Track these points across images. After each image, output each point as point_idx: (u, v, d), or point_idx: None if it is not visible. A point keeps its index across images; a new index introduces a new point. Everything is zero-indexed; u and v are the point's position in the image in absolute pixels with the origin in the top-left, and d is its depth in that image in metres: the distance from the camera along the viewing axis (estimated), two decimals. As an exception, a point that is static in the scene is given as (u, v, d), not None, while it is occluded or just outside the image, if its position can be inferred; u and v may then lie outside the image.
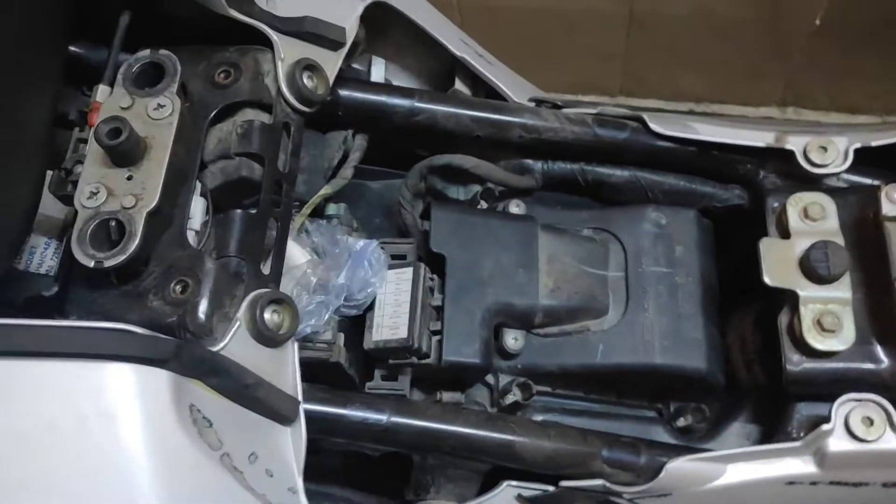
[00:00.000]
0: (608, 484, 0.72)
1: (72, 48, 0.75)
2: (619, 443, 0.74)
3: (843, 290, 0.75)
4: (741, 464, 0.73)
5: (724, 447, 0.83)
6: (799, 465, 0.73)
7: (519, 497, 0.72)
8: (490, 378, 0.81)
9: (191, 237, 0.66)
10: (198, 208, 0.67)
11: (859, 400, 0.72)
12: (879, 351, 0.75)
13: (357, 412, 0.69)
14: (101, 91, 0.70)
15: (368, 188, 0.90)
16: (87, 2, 0.74)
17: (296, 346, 0.66)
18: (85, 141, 0.68)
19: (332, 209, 0.80)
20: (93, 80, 0.72)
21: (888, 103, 1.45)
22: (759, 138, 0.84)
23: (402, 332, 0.74)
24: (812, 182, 0.82)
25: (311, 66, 0.73)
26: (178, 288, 0.62)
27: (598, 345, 0.81)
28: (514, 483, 0.72)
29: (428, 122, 0.83)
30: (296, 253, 0.72)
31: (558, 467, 0.72)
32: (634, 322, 0.80)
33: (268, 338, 0.63)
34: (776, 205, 0.81)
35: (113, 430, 0.54)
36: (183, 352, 0.57)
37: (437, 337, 0.76)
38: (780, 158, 0.83)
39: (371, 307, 0.76)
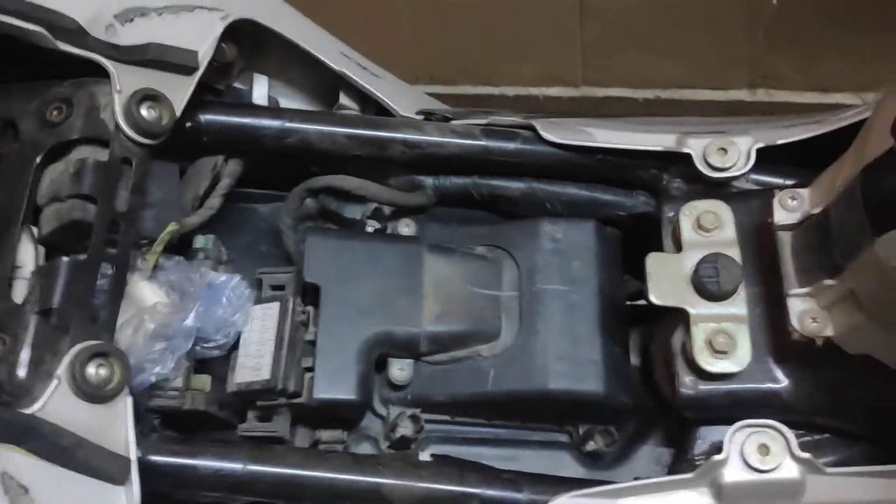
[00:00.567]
0: (486, 526, 0.68)
1: None
2: (499, 480, 0.70)
3: (737, 307, 0.70)
4: (632, 498, 0.68)
5: (633, 473, 0.78)
6: (694, 499, 0.67)
7: (392, 544, 0.67)
8: (382, 409, 0.77)
9: (22, 287, 0.63)
10: (28, 256, 0.64)
11: (755, 426, 0.66)
12: (777, 371, 0.70)
13: (209, 462, 0.66)
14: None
15: (256, 213, 0.86)
16: None
17: (129, 400, 0.62)
18: None
19: (199, 242, 0.76)
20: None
21: (863, 80, 1.38)
22: (659, 142, 0.79)
23: (266, 373, 0.70)
24: (717, 187, 0.77)
25: (152, 96, 0.69)
26: (-5, 346, 0.59)
27: (490, 371, 0.76)
28: (386, 529, 0.68)
29: (301, 144, 0.78)
30: (147, 294, 0.68)
31: (432, 509, 0.68)
32: (527, 345, 0.76)
33: (92, 394, 0.60)
34: (671, 214, 0.76)
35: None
36: (-10, 417, 0.54)
37: (311, 374, 0.72)
38: (683, 162, 0.78)
39: (236, 346, 0.72)
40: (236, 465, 0.66)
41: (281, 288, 0.77)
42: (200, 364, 0.72)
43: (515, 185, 0.83)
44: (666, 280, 0.71)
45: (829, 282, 0.64)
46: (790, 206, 0.69)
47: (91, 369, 0.60)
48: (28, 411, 0.58)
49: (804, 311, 0.66)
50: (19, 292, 0.64)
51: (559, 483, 0.70)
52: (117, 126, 0.68)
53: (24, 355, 0.59)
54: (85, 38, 0.68)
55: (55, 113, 0.67)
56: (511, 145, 0.81)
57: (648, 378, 0.81)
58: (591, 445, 0.78)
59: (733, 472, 0.66)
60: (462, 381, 0.76)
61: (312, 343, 0.74)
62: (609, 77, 1.47)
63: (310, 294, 0.76)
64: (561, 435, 0.80)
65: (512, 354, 0.76)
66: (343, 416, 0.75)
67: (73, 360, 0.60)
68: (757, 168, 0.77)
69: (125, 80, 0.69)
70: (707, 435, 0.73)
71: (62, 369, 0.60)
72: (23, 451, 0.56)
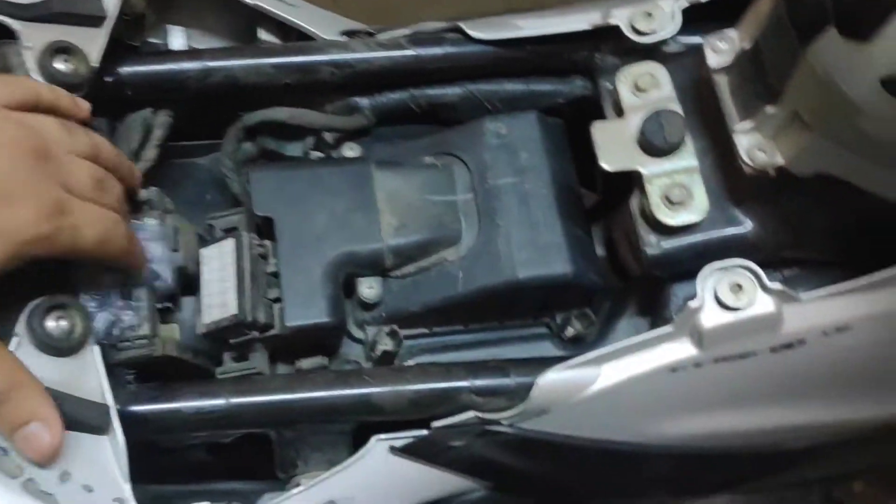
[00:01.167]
0: (480, 414, 0.67)
1: None
2: (485, 368, 0.70)
3: (687, 159, 0.70)
4: (614, 362, 0.68)
5: (614, 347, 0.79)
6: (677, 349, 0.68)
7: (391, 449, 0.67)
8: (359, 333, 0.77)
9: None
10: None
11: (724, 268, 0.67)
12: (737, 213, 0.70)
13: (191, 402, 0.64)
14: None
15: (195, 165, 0.84)
16: None
17: (96, 348, 0.61)
18: None
19: (143, 195, 0.74)
20: None
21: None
22: (585, 21, 0.79)
23: (233, 307, 0.69)
24: (648, 53, 0.77)
25: (65, 48, 0.67)
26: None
27: (458, 273, 0.75)
28: (383, 436, 0.67)
29: (227, 82, 0.77)
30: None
31: (425, 410, 0.68)
32: (490, 241, 0.75)
33: (56, 347, 0.58)
34: (609, 85, 0.76)
35: None
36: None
37: (279, 305, 0.71)
38: (612, 37, 0.78)
39: (198, 291, 0.70)
40: (219, 401, 0.65)
41: (234, 230, 0.75)
42: (168, 316, 0.71)
43: (452, 91, 0.82)
44: (613, 146, 0.71)
45: (770, 109, 0.64)
46: (721, 49, 0.69)
47: (51, 322, 0.58)
48: (-6, 373, 0.56)
49: (752, 145, 0.66)
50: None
51: (544, 363, 0.70)
52: (34, 83, 0.65)
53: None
54: (-17, 0, 0.65)
55: (-33, 80, 0.64)
56: (441, 50, 0.80)
57: (615, 264, 0.82)
58: (570, 331, 0.78)
59: (710, 316, 0.66)
60: (432, 288, 0.76)
61: (275, 275, 0.72)
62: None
63: (264, 228, 0.75)
64: (539, 328, 0.80)
65: (477, 253, 0.75)
66: (320, 341, 0.74)
67: (31, 316, 0.58)
68: (685, 30, 0.77)
69: (33, 36, 0.67)
70: (679, 292, 0.73)
71: (20, 326, 0.58)
72: (-5, 413, 0.54)
